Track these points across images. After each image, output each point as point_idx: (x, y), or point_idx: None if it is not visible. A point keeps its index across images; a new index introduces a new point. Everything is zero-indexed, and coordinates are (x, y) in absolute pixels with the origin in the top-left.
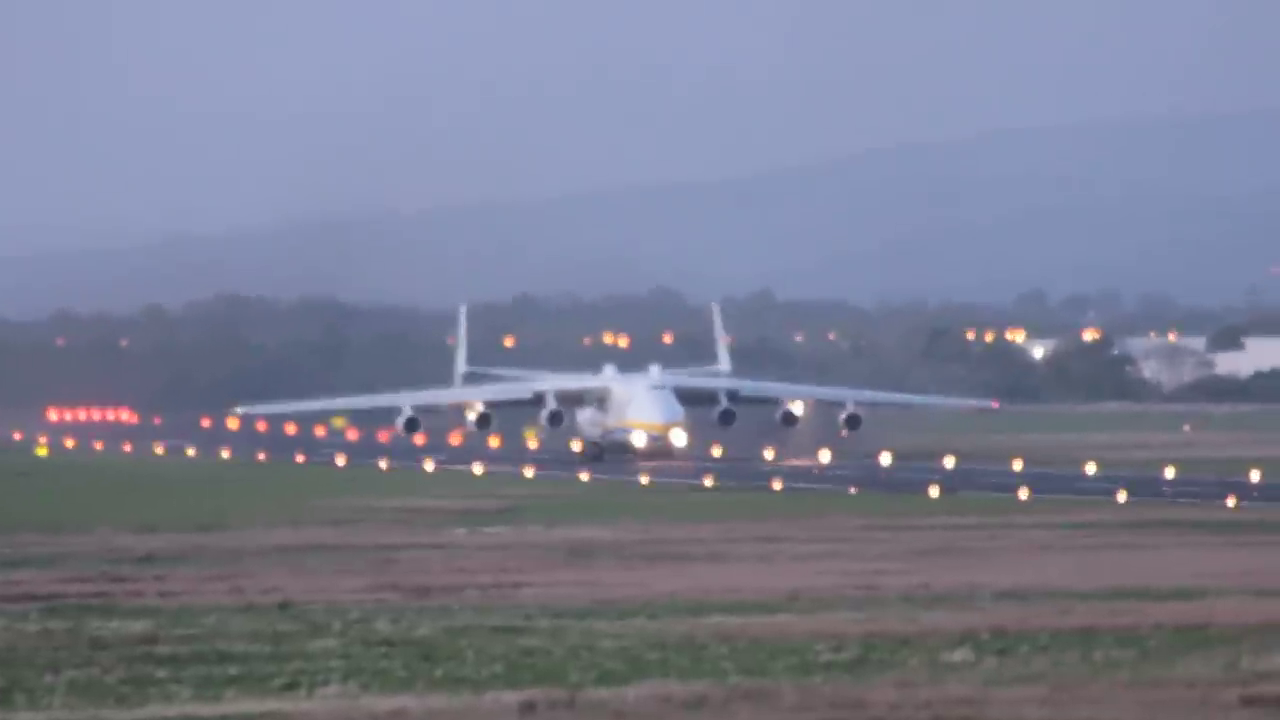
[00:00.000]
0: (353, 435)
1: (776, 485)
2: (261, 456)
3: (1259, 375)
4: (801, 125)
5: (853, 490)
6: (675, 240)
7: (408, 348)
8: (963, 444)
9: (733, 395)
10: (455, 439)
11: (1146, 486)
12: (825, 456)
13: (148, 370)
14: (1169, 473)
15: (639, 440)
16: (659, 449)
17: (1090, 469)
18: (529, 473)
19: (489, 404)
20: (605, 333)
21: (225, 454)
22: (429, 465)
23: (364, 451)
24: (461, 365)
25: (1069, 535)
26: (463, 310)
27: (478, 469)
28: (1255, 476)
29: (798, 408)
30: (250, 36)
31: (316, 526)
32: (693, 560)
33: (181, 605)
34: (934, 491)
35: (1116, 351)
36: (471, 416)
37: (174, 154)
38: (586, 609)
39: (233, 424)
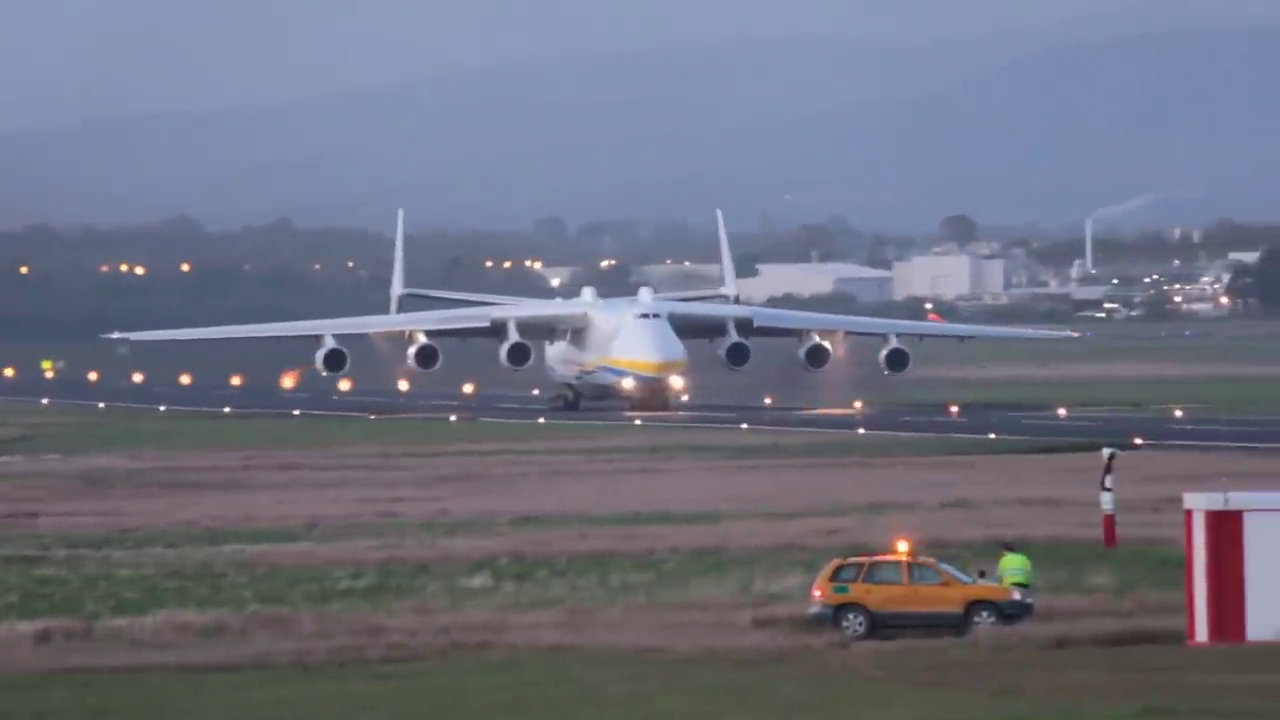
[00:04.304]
0: None
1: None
2: None
3: (773, 300)
4: (314, 54)
5: (372, 417)
6: (194, 169)
7: None
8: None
9: (744, 325)
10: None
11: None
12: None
13: None
14: (685, 398)
15: (628, 383)
16: (653, 394)
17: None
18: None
19: (433, 334)
20: (122, 262)
21: None
22: None
23: None
24: (398, 286)
25: (589, 461)
26: (400, 216)
27: None
28: (768, 400)
29: (827, 342)
30: None
31: None
32: (212, 488)
33: None
34: (453, 418)
35: (634, 279)
36: (412, 350)
37: None
38: (104, 538)
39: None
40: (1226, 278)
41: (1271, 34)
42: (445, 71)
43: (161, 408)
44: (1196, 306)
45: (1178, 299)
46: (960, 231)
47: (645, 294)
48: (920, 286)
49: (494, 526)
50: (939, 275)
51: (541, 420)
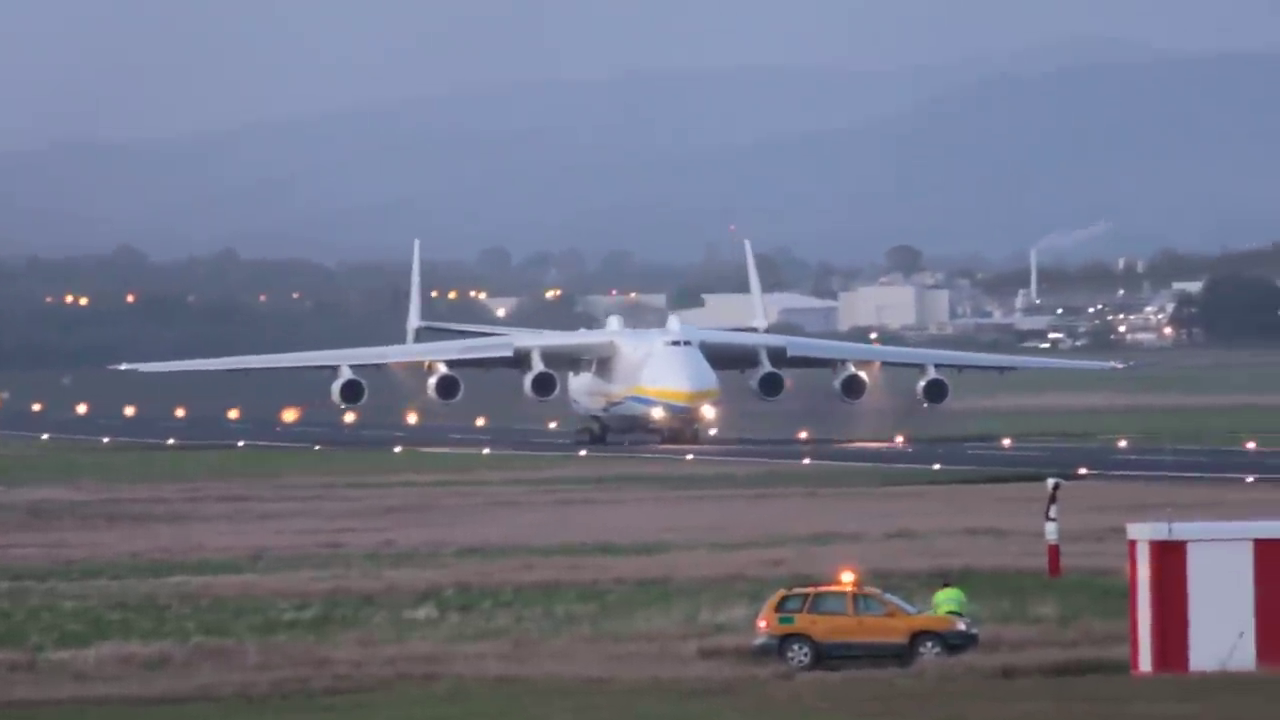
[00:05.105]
0: None
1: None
2: None
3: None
4: (261, 83)
5: (317, 447)
6: (139, 198)
7: None
8: None
9: (778, 355)
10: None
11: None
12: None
13: None
14: (714, 430)
15: (658, 414)
16: (683, 425)
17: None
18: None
19: (454, 364)
20: (67, 293)
21: None
22: None
23: None
24: (415, 319)
25: (534, 492)
26: (416, 246)
27: None
28: (713, 431)
29: (863, 372)
30: None
31: None
32: (156, 520)
33: None
34: (398, 449)
35: (579, 310)
36: (432, 380)
37: None
38: (48, 570)
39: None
40: (1170, 308)
41: (1215, 65)
42: (390, 101)
43: (105, 439)
44: (1141, 336)
45: (1122, 329)
46: (905, 262)
47: (674, 322)
48: (865, 317)
49: (439, 557)
50: (884, 305)
51: (486, 451)
